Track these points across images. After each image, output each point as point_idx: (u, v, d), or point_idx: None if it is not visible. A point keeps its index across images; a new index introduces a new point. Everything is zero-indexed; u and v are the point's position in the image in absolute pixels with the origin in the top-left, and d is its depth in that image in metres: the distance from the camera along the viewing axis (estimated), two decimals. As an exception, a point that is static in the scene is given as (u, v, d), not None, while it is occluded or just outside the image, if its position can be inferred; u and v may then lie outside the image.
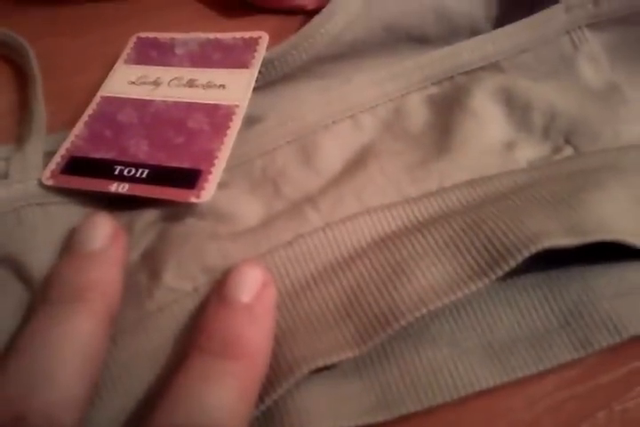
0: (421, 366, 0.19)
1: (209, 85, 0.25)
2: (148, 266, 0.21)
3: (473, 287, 0.18)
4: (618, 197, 0.19)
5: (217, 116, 0.24)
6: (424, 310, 0.17)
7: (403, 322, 0.17)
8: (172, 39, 0.28)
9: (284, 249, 0.21)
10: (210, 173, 0.22)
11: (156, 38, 0.28)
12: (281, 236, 0.21)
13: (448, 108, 0.24)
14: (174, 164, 0.22)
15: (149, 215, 0.22)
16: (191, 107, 0.24)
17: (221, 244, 0.21)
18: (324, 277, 0.20)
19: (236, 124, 0.23)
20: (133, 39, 0.29)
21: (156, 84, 0.26)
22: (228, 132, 0.23)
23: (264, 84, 0.26)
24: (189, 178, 0.22)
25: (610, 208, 0.19)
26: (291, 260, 0.20)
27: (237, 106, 0.24)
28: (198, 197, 0.21)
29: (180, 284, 0.20)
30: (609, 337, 0.18)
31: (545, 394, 0.19)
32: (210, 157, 0.22)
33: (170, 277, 0.20)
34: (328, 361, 0.18)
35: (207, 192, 0.21)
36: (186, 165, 0.22)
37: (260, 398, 0.18)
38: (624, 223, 0.18)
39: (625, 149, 0.22)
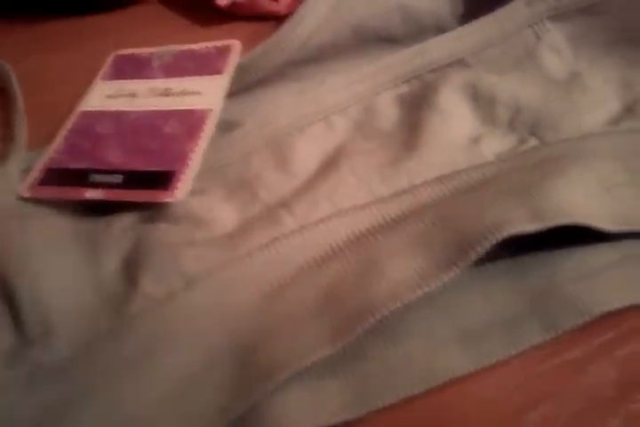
0: (397, 359, 0.19)
1: (184, 93, 0.27)
2: (127, 274, 0.22)
3: (443, 279, 0.18)
4: (578, 182, 0.20)
5: (191, 121, 0.25)
6: (397, 304, 0.18)
7: (377, 316, 0.18)
8: (148, 54, 0.30)
9: (261, 252, 0.22)
10: (183, 173, 0.23)
11: (132, 54, 0.30)
12: (257, 240, 0.22)
13: (417, 107, 0.25)
14: (149, 168, 0.24)
15: (127, 219, 0.24)
16: (167, 114, 0.26)
17: (197, 249, 0.22)
18: (299, 278, 0.21)
19: (210, 126, 0.25)
20: (111, 57, 0.31)
21: (133, 95, 0.28)
22: (202, 134, 0.24)
23: (240, 90, 0.28)
24: (163, 180, 0.23)
25: (571, 193, 0.20)
26: (267, 262, 0.21)
27: (211, 109, 0.26)
28: (172, 196, 0.22)
29: (156, 289, 0.21)
30: (575, 318, 0.19)
31: (513, 373, 0.20)
32: (183, 159, 0.24)
33: (146, 283, 0.21)
34: (305, 363, 0.18)
35: (180, 191, 0.23)
36: (160, 168, 0.24)
37: (237, 403, 0.18)
38: (585, 207, 0.20)
39: (585, 137, 0.23)
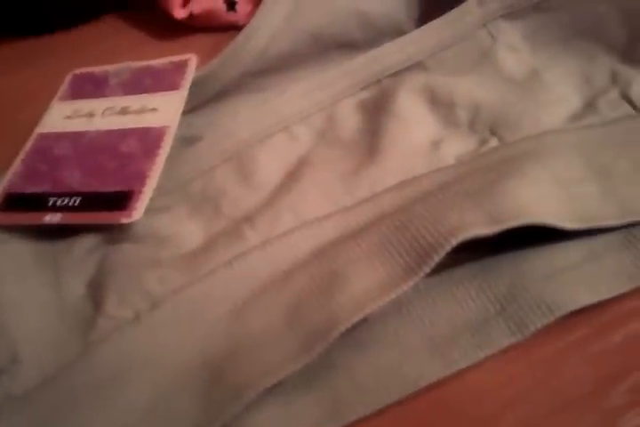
0: (367, 371, 0.20)
1: (141, 110, 0.27)
2: (92, 297, 0.22)
3: (404, 286, 0.19)
4: (537, 181, 0.21)
5: (148, 139, 0.25)
6: (360, 315, 0.18)
7: (341, 328, 0.18)
8: (106, 71, 0.30)
9: (223, 269, 0.22)
10: (140, 192, 0.23)
11: (90, 73, 0.30)
12: (221, 257, 0.22)
13: (377, 113, 0.26)
14: (106, 189, 0.24)
15: (90, 240, 0.24)
16: (124, 133, 0.26)
17: (162, 269, 0.22)
18: (264, 294, 0.21)
19: (167, 143, 0.25)
20: (69, 76, 0.31)
21: (91, 115, 0.28)
22: (159, 151, 0.25)
23: (200, 104, 0.28)
24: (121, 200, 0.23)
25: (529, 193, 0.20)
26: (231, 280, 0.22)
27: (168, 126, 0.26)
28: (129, 217, 0.23)
29: (121, 311, 0.21)
30: (543, 318, 0.19)
31: (486, 376, 0.20)
32: (141, 178, 0.24)
33: (111, 306, 0.22)
34: (274, 380, 0.18)
35: (138, 211, 0.23)
36: (117, 188, 0.24)
37: (210, 422, 0.18)
38: (545, 206, 0.20)
39: (543, 135, 0.23)
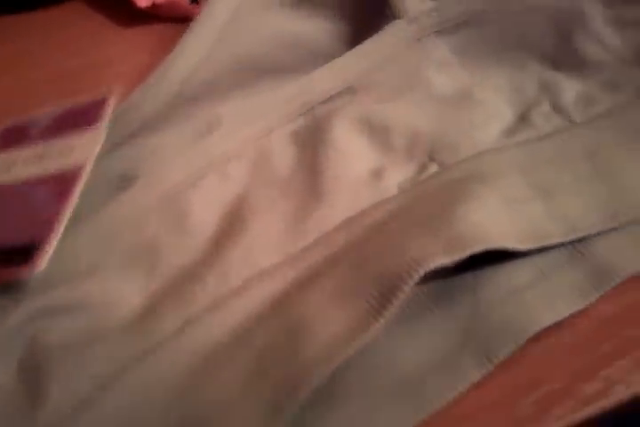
0: (339, 425, 0.19)
1: (59, 154, 0.25)
2: (28, 383, 0.20)
3: (375, 327, 0.18)
4: (486, 202, 0.21)
5: (61, 184, 0.24)
6: (333, 364, 0.18)
7: (314, 382, 0.18)
8: (30, 120, 0.28)
9: (176, 339, 0.20)
10: (45, 242, 0.21)
11: (15, 124, 0.29)
12: (169, 324, 0.21)
13: (312, 145, 0.25)
14: (13, 243, 0.22)
15: (17, 317, 0.21)
16: (38, 180, 0.25)
17: (105, 344, 0.21)
18: (222, 356, 0.20)
19: (79, 185, 0.23)
20: None
21: (9, 167, 0.26)
22: (70, 192, 0.23)
23: (126, 138, 0.26)
24: (25, 253, 0.21)
25: (481, 215, 0.20)
26: (185, 347, 0.20)
27: (82, 167, 0.24)
28: (31, 269, 0.21)
29: (65, 398, 0.19)
30: (509, 343, 0.19)
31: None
32: (47, 227, 0.22)
33: (52, 392, 0.19)
34: None
35: (41, 263, 0.21)
36: (24, 241, 0.22)
37: None
38: (499, 227, 0.20)
39: (481, 155, 0.23)
